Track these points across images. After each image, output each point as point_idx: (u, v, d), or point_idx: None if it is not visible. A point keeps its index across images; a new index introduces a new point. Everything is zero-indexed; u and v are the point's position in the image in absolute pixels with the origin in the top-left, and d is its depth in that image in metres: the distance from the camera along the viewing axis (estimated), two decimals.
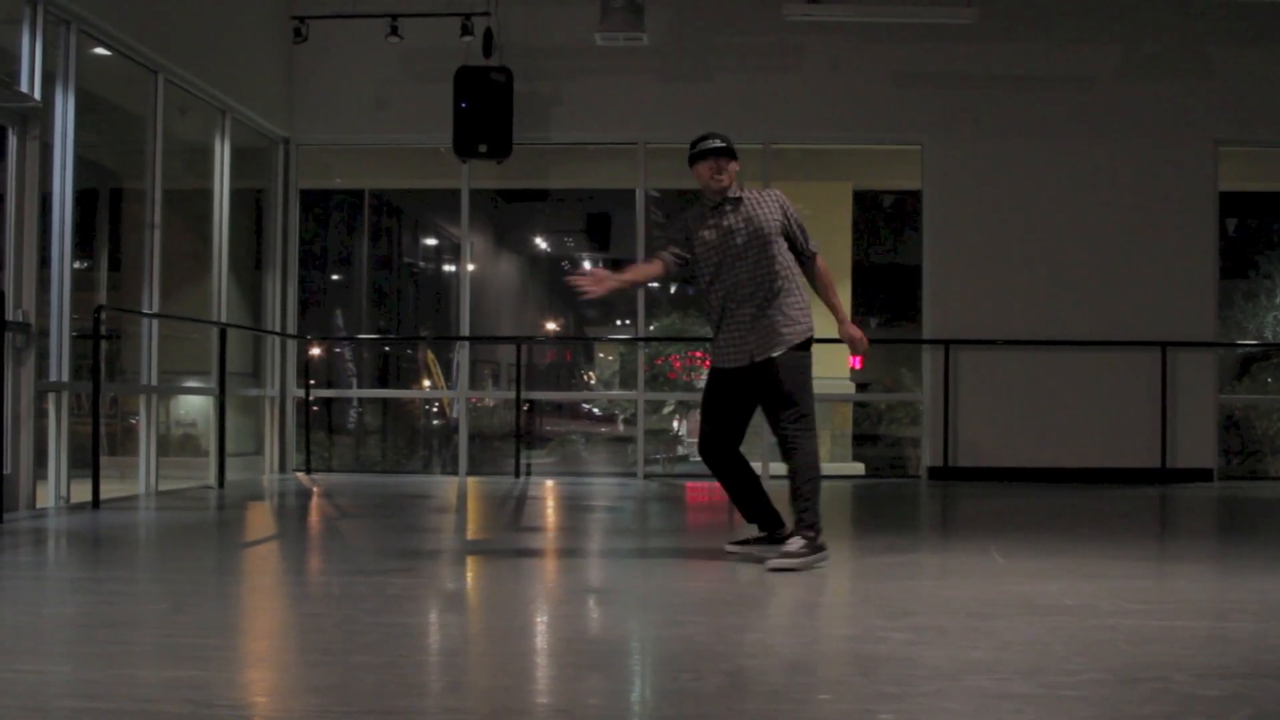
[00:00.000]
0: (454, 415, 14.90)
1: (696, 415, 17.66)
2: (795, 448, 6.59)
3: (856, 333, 6.96)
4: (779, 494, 6.93)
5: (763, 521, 6.95)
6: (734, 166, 6.83)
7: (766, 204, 6.81)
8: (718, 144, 6.82)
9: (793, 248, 6.83)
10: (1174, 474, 13.01)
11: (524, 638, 4.82)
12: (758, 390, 6.74)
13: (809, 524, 6.51)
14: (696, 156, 6.86)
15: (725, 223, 6.76)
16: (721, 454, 6.85)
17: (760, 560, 6.59)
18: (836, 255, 15.90)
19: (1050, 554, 7.17)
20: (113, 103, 11.59)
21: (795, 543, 6.48)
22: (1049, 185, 13.29)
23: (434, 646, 4.73)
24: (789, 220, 6.80)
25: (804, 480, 6.56)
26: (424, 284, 20.66)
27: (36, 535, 7.95)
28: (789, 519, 6.75)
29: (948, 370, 13.17)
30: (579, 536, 8.48)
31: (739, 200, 6.80)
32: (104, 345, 9.82)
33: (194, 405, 13.07)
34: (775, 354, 6.64)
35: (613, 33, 12.20)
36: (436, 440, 17.69)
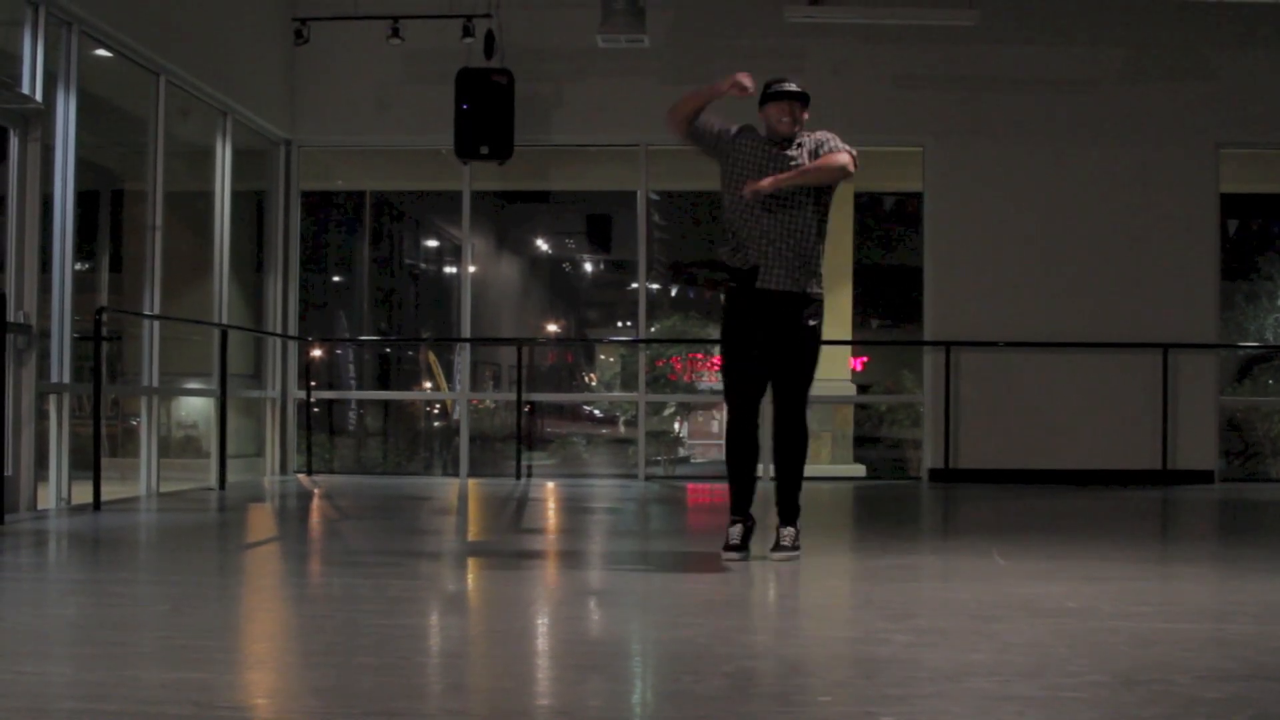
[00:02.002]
0: (455, 417, 14.90)
1: (697, 417, 17.71)
2: (801, 438, 6.89)
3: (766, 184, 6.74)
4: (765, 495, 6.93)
5: (745, 510, 6.90)
6: (805, 115, 6.88)
7: (822, 144, 6.87)
8: (794, 89, 6.84)
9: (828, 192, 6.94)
10: (1175, 476, 13.01)
11: (525, 640, 4.82)
12: (771, 339, 6.77)
13: (798, 514, 6.90)
14: (770, 97, 6.85)
15: (788, 163, 6.76)
16: (751, 432, 6.89)
17: (760, 559, 6.62)
18: (838, 257, 15.90)
19: (1051, 556, 7.17)
20: (114, 104, 11.59)
21: (789, 534, 6.83)
22: (1050, 187, 13.29)
23: (435, 648, 4.73)
24: (828, 144, 6.87)
25: (802, 471, 6.92)
26: (425, 285, 20.66)
27: (38, 537, 7.95)
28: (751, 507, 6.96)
29: (949, 372, 13.17)
30: (580, 538, 8.49)
31: (800, 146, 6.84)
32: (105, 347, 9.82)
33: (195, 407, 13.07)
34: (797, 289, 6.75)
35: (614, 35, 12.19)
36: (437, 442, 17.69)
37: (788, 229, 6.77)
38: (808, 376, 6.87)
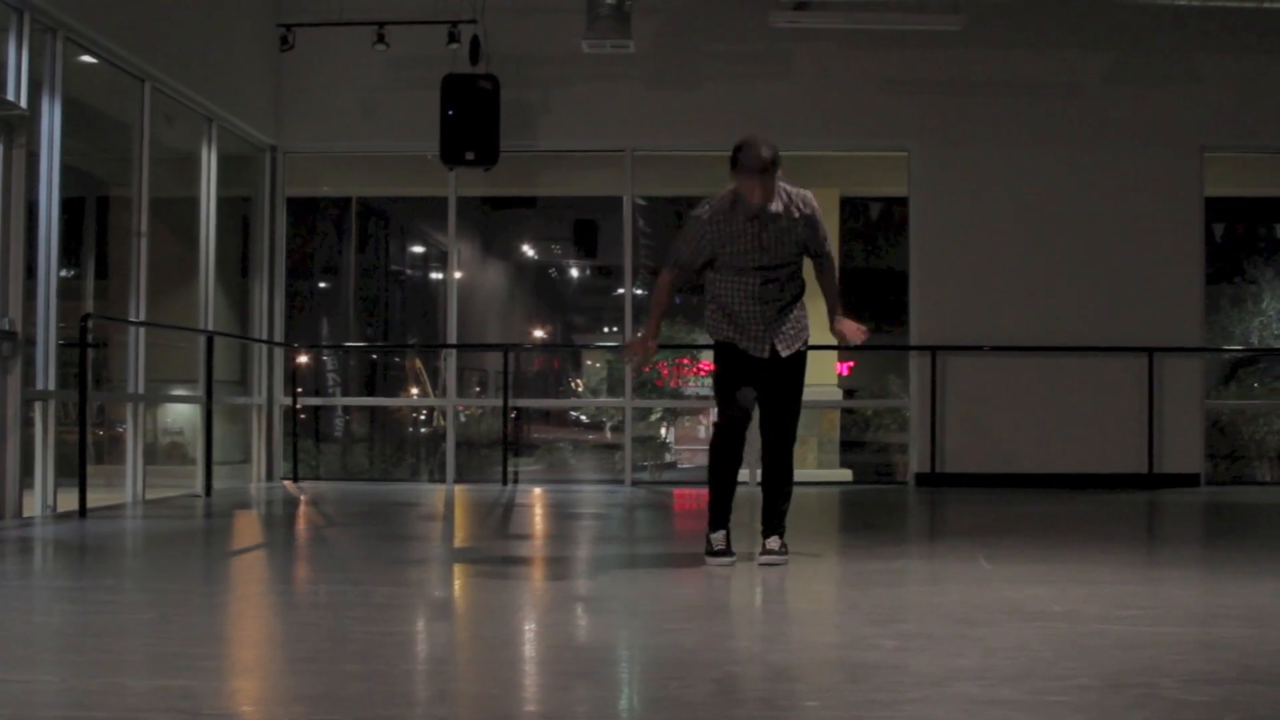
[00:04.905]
0: (440, 422, 14.89)
1: (684, 422, 17.70)
2: (787, 457, 6.98)
3: (849, 325, 6.93)
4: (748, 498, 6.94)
5: (727, 520, 6.93)
6: (778, 175, 6.66)
7: (801, 211, 6.77)
8: (763, 157, 6.54)
9: (806, 249, 6.86)
10: (1161, 479, 13.04)
11: (512, 646, 4.82)
12: (766, 375, 6.87)
13: (784, 527, 6.97)
14: (739, 168, 6.60)
15: (764, 232, 6.71)
16: (741, 438, 6.91)
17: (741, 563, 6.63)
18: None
19: (1038, 560, 7.18)
20: (100, 111, 11.57)
21: (776, 542, 6.88)
22: (1036, 191, 13.31)
23: (421, 655, 4.72)
24: (814, 232, 6.81)
25: (790, 487, 6.98)
26: (411, 291, 20.63)
27: (23, 544, 7.93)
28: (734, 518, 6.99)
29: (935, 376, 13.18)
30: (566, 544, 8.48)
31: (776, 214, 6.72)
32: (91, 354, 9.79)
33: (181, 413, 13.04)
34: (796, 349, 6.88)
35: (599, 40, 12.18)
36: (424, 448, 17.67)
37: (783, 309, 6.88)
38: (797, 400, 6.96)
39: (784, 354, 6.84)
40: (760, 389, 6.90)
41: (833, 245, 7.09)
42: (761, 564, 6.73)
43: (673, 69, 13.53)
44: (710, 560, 6.78)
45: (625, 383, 13.87)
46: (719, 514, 6.90)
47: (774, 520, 6.93)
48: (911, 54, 13.32)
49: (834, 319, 7.02)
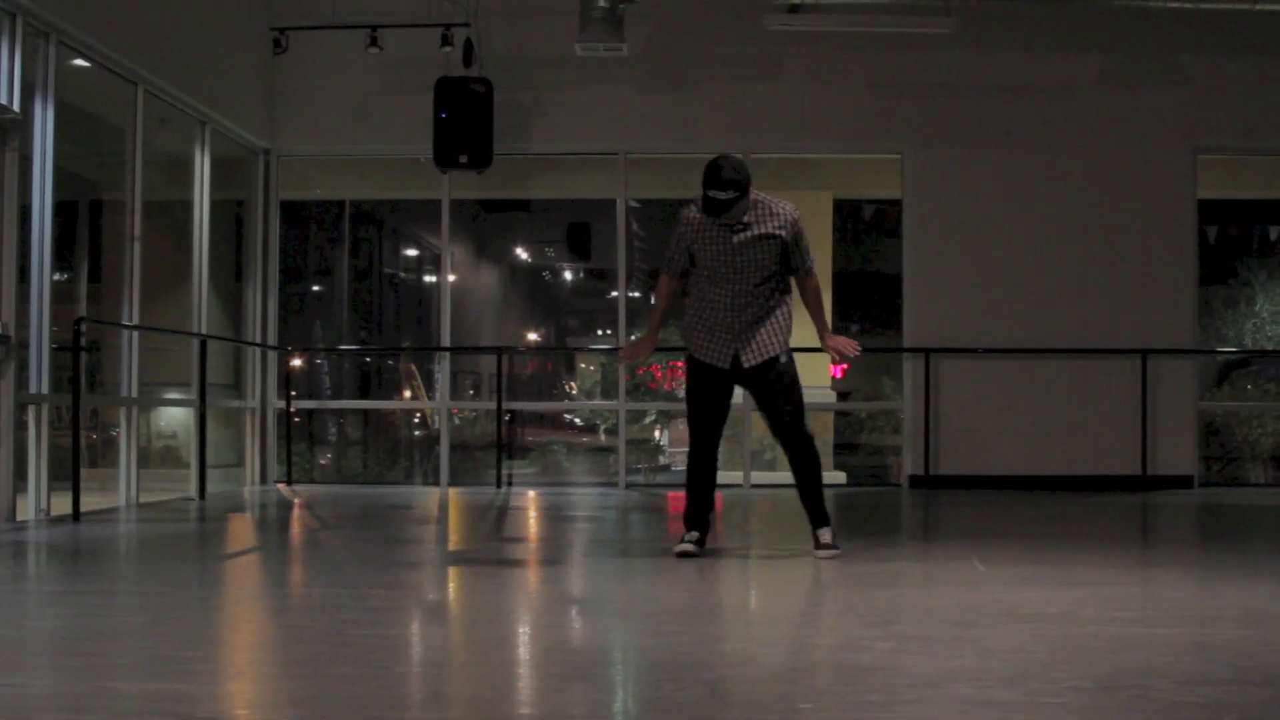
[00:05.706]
0: (434, 426, 14.88)
1: (678, 425, 17.68)
2: (807, 449, 7.04)
3: (840, 340, 7.04)
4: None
5: (704, 527, 7.12)
6: (751, 195, 6.73)
7: (776, 222, 6.78)
8: (727, 195, 6.62)
9: (787, 261, 6.88)
10: (1154, 481, 13.04)
11: (506, 648, 4.81)
12: (745, 386, 7.02)
13: (828, 514, 7.10)
14: (707, 201, 6.70)
15: (734, 239, 6.75)
16: (712, 458, 7.08)
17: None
18: (818, 263, 15.89)
19: (1032, 562, 7.19)
20: (92, 114, 11.56)
21: (827, 534, 7.05)
22: (1028, 193, 13.32)
23: (416, 658, 4.72)
24: (794, 242, 6.83)
25: (818, 474, 7.06)
26: (405, 295, 20.63)
27: (16, 548, 7.92)
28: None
29: (929, 378, 13.18)
30: (561, 547, 8.47)
31: (748, 225, 6.76)
32: (84, 357, 9.77)
33: (175, 417, 13.03)
34: (772, 355, 6.91)
35: (592, 43, 12.19)
36: (418, 451, 17.66)
37: (755, 320, 6.91)
38: (795, 399, 6.98)
39: (745, 365, 6.89)
40: (756, 400, 7.06)
41: (815, 259, 7.13)
42: (819, 558, 6.91)
43: (666, 72, 13.53)
44: (678, 549, 7.03)
45: (619, 386, 13.86)
46: (690, 519, 7.11)
47: (816, 510, 7.07)
48: (905, 57, 13.33)
49: (824, 338, 7.10)
